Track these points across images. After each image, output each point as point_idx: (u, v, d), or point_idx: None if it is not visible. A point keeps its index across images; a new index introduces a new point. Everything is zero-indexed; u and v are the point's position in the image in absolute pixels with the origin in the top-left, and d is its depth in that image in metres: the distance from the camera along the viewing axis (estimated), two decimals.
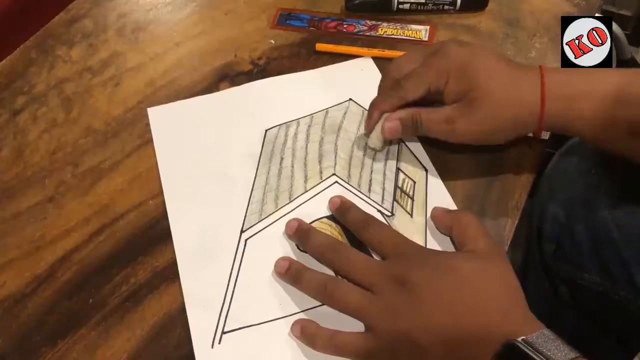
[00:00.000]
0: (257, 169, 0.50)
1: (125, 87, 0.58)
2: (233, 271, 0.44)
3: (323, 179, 0.49)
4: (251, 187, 0.49)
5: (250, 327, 0.41)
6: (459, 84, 0.45)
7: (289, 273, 0.42)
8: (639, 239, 0.51)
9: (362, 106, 0.54)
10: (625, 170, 0.53)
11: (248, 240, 0.45)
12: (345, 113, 0.54)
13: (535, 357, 0.33)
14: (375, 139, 0.49)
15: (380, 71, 0.58)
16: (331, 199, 0.47)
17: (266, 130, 0.53)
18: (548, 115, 0.43)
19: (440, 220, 0.45)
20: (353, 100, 0.55)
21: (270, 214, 0.47)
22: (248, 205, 0.48)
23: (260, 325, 0.41)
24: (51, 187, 0.50)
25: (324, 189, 0.48)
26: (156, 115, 0.55)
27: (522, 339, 0.34)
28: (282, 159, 0.51)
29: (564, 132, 0.46)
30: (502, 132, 0.46)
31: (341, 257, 0.42)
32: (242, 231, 0.46)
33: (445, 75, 0.45)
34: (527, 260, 0.63)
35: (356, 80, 0.57)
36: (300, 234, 0.45)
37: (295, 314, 0.41)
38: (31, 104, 0.57)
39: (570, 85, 0.43)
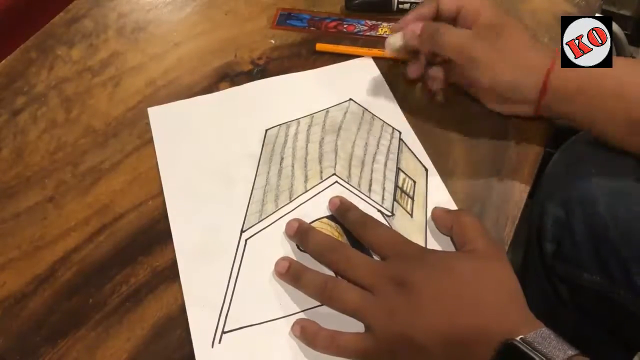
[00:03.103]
0: (257, 169, 0.50)
1: (125, 87, 0.58)
2: (233, 271, 0.44)
3: (323, 178, 0.49)
4: (251, 187, 0.49)
5: (250, 327, 0.41)
6: (493, 17, 0.49)
7: (289, 273, 0.42)
8: (638, 238, 0.51)
9: (362, 106, 0.54)
10: (624, 170, 0.53)
11: (248, 240, 0.45)
12: (345, 113, 0.54)
13: (533, 356, 0.33)
14: (395, 37, 0.52)
15: (380, 71, 0.58)
16: (331, 199, 0.47)
17: (266, 130, 0.53)
18: (555, 71, 0.46)
19: (441, 220, 0.45)
20: (353, 100, 0.55)
21: (271, 214, 0.47)
22: (248, 205, 0.48)
23: (261, 325, 0.41)
24: (51, 187, 0.50)
25: (324, 189, 0.48)
26: (156, 115, 0.55)
27: (521, 338, 0.34)
28: (282, 158, 0.51)
29: (560, 114, 0.49)
30: (513, 67, 0.48)
31: (341, 258, 0.42)
32: (242, 231, 0.46)
33: (485, 7, 0.49)
34: (527, 260, 0.63)
35: (356, 80, 0.57)
36: (300, 234, 0.45)
37: (295, 313, 0.41)
38: (31, 104, 0.57)
39: (576, 72, 0.46)
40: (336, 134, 0.52)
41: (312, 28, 0.63)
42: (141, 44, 0.63)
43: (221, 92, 0.57)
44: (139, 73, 0.59)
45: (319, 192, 0.48)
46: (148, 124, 0.54)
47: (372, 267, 0.41)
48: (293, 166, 0.50)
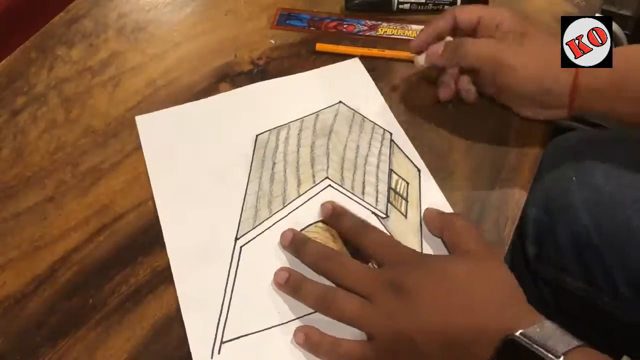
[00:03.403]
0: (249, 175, 0.50)
1: (125, 87, 0.58)
2: (229, 279, 0.43)
3: (316, 182, 0.48)
4: (244, 193, 0.48)
5: (249, 336, 0.41)
6: (515, 24, 0.49)
7: (288, 284, 0.42)
8: (620, 245, 0.51)
9: (352, 108, 0.54)
10: (605, 176, 0.53)
11: (243, 247, 0.45)
12: (335, 116, 0.53)
13: (534, 350, 0.33)
14: (420, 58, 0.53)
15: (369, 72, 0.57)
16: (323, 205, 0.46)
17: (257, 136, 0.52)
18: (581, 88, 0.46)
19: (432, 222, 0.45)
20: (343, 103, 0.55)
21: (264, 220, 0.46)
22: (242, 211, 0.47)
23: (259, 333, 0.41)
24: (51, 187, 0.50)
25: (318, 193, 0.48)
26: (144, 123, 0.54)
27: (521, 333, 0.34)
28: (274, 164, 0.50)
29: (594, 111, 0.48)
30: (539, 72, 0.47)
31: (336, 266, 0.42)
32: (236, 238, 0.46)
33: (504, 15, 0.49)
34: (512, 262, 0.63)
35: (345, 82, 0.57)
36: (294, 244, 0.44)
37: (293, 320, 0.41)
38: (31, 104, 0.57)
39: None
40: (327, 137, 0.52)
41: (312, 28, 0.63)
42: (141, 44, 0.63)
43: (209, 98, 0.56)
44: (139, 73, 0.59)
45: (312, 197, 0.47)
46: None
47: (368, 275, 0.41)
48: (285, 171, 0.49)
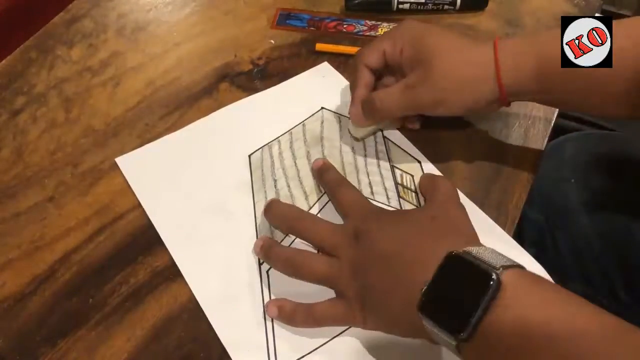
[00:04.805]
0: (253, 197, 0.48)
1: (125, 87, 0.58)
2: (265, 307, 0.42)
3: (323, 192, 0.48)
4: (253, 216, 0.47)
5: (303, 358, 0.40)
6: (412, 49, 0.46)
7: (261, 250, 0.43)
8: (618, 248, 0.51)
9: (336, 112, 0.54)
10: (604, 178, 0.53)
11: (269, 272, 0.44)
12: (322, 123, 0.53)
13: (473, 262, 0.33)
14: (352, 127, 0.51)
15: (342, 73, 0.57)
16: (315, 160, 0.49)
17: (249, 156, 0.51)
18: (504, 71, 0.43)
19: (422, 184, 0.47)
20: (325, 108, 0.54)
21: (283, 239, 0.45)
22: (257, 235, 0.46)
23: (312, 352, 0.40)
24: (51, 187, 0.50)
25: (328, 201, 0.47)
26: (128, 163, 0.51)
27: (463, 250, 0.34)
28: (275, 181, 0.49)
29: (526, 94, 0.45)
30: (463, 91, 0.44)
31: (302, 224, 0.44)
32: (260, 264, 0.44)
33: (400, 42, 0.47)
34: None
35: (321, 87, 0.56)
36: (266, 208, 0.46)
37: (341, 333, 0.40)
38: (31, 104, 0.57)
39: (520, 44, 0.44)
40: (320, 144, 0.51)
41: (311, 28, 0.63)
42: (141, 44, 0.63)
43: (185, 127, 0.53)
44: (138, 73, 0.59)
45: (324, 206, 0.47)
46: (148, 124, 0.54)
47: (332, 230, 0.42)
48: (289, 186, 0.49)
